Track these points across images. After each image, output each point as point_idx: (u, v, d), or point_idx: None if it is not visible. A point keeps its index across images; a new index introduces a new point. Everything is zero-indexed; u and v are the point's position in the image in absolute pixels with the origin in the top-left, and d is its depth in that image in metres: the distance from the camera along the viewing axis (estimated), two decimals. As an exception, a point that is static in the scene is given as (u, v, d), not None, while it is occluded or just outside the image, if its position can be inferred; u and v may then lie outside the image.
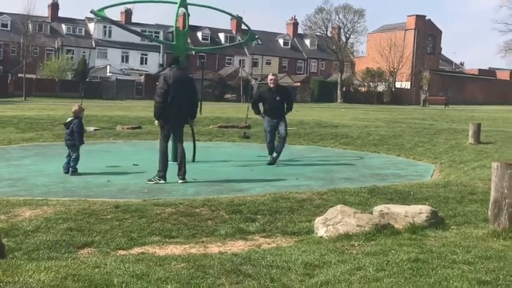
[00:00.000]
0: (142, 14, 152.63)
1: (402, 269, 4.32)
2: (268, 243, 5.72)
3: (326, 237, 5.67)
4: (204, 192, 8.36)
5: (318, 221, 6.01)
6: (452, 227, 6.19)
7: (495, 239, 5.38)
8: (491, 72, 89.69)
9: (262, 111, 12.58)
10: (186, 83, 9.94)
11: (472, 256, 4.67)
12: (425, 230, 5.84)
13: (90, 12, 12.38)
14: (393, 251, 4.83)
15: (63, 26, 74.32)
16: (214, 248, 5.47)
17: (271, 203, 7.10)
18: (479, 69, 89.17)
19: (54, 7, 75.70)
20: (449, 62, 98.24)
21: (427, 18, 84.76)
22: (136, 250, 5.39)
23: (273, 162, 12.14)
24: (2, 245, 4.77)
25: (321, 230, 5.84)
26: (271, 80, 12.50)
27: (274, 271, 4.27)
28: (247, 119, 17.92)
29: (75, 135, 10.59)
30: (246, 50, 78.92)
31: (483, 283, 4.04)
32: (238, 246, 5.61)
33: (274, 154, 12.19)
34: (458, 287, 3.91)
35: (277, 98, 12.28)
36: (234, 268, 4.25)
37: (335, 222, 5.82)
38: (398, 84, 79.03)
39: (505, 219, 5.56)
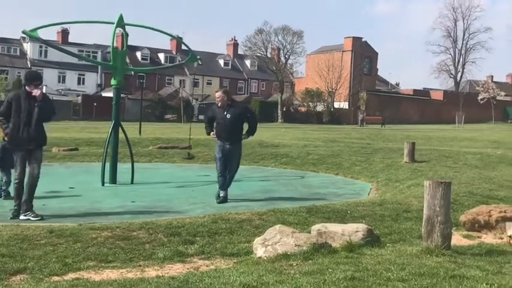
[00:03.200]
0: (81, 34, 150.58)
1: (339, 287, 4.37)
2: (207, 266, 5.68)
3: (265, 258, 5.68)
4: (142, 215, 8.24)
5: (257, 241, 6.02)
6: (387, 244, 6.32)
7: (428, 255, 5.52)
8: (426, 92, 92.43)
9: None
10: None
11: (406, 273, 4.78)
12: (361, 248, 5.94)
13: (22, 32, 12.13)
14: (330, 270, 4.88)
15: (-3, 46, 72.35)
16: (151, 272, 5.39)
17: (211, 224, 7.07)
18: (414, 90, 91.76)
19: (-12, 26, 73.72)
20: (386, 82, 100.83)
21: (363, 40, 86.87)
22: (71, 276, 5.25)
23: (223, 200, 10.06)
24: None
25: (260, 250, 5.84)
26: (218, 97, 10.44)
27: (211, 294, 4.24)
28: (190, 139, 17.70)
29: None
30: (186, 70, 78.78)
31: (417, 299, 4.13)
32: (176, 269, 5.54)
33: (221, 193, 10.16)
34: (393, 304, 3.98)
35: (228, 115, 10.16)
36: (171, 292, 4.20)
37: (274, 242, 5.84)
38: (336, 105, 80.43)
39: (437, 236, 5.71)
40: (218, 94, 10.54)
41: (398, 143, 25.27)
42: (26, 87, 8.37)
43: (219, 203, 9.92)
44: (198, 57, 15.94)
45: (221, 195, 10.15)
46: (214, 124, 10.48)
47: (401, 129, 51.56)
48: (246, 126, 10.64)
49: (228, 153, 10.27)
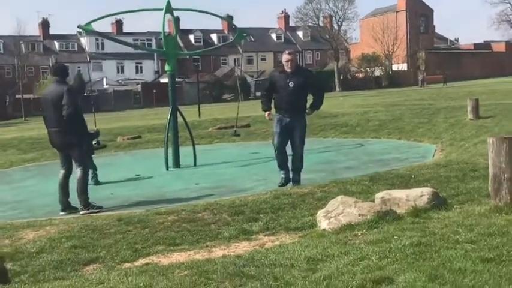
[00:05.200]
0: (135, 24, 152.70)
1: (405, 254, 4.31)
2: (272, 241, 5.71)
3: (329, 230, 5.66)
4: (206, 196, 8.36)
5: (320, 214, 6.00)
6: (455, 206, 6.17)
7: (497, 214, 5.36)
8: (487, 45, 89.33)
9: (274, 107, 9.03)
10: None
11: (475, 234, 4.66)
12: (428, 212, 5.83)
13: (78, 27, 12.42)
14: (396, 237, 4.82)
15: (56, 43, 74.48)
16: (218, 252, 5.46)
17: (273, 200, 7.10)
18: (475, 44, 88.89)
19: (45, 25, 75.81)
20: (444, 39, 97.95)
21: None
22: (141, 261, 5.39)
23: (284, 183, 8.86)
24: (5, 271, 4.77)
25: (324, 222, 5.82)
26: (287, 60, 8.69)
27: (277, 269, 4.27)
28: (237, 118, 17.31)
29: None
30: (239, 48, 78.81)
31: (487, 261, 4.02)
32: (242, 247, 5.60)
33: (282, 173, 8.95)
34: (462, 267, 3.89)
35: (291, 84, 8.59)
36: (237, 271, 4.25)
37: (336, 213, 5.81)
38: (395, 67, 78.91)
39: (505, 193, 5.53)
40: (287, 57, 8.76)
41: (461, 100, 24.50)
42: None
43: (280, 186, 8.66)
44: (244, 34, 15.88)
45: (282, 176, 8.95)
46: (274, 95, 8.93)
47: (463, 85, 50.09)
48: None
49: (289, 128, 8.79)
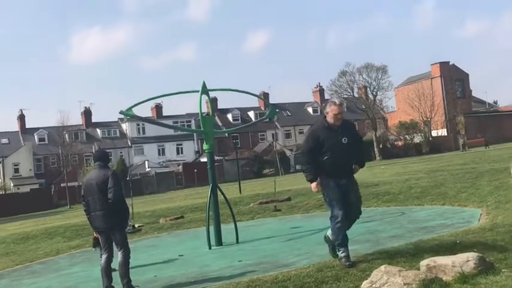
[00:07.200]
0: (174, 107, 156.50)
1: (453, 322, 4.20)
2: (317, 316, 5.62)
3: (374, 301, 5.55)
4: (249, 273, 8.30)
5: (364, 285, 5.92)
6: (503, 270, 6.01)
7: (548, 276, 5.19)
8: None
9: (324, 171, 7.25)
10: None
11: (524, 298, 4.52)
12: (475, 277, 5.70)
13: (119, 113, 12.77)
14: (443, 305, 4.70)
15: (98, 131, 76.79)
16: (263, 329, 5.40)
17: (316, 273, 7.02)
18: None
19: (87, 114, 78.55)
20: (482, 102, 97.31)
21: (451, 63, 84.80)
22: None
23: (348, 261, 7.19)
24: None
25: (369, 294, 5.73)
26: (338, 113, 7.21)
27: None
28: (275, 193, 17.34)
29: None
30: (277, 123, 79.72)
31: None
32: (287, 323, 5.52)
33: (342, 252, 7.33)
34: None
35: (344, 140, 7.13)
36: None
37: (381, 284, 5.72)
38: (434, 133, 78.34)
39: (555, 254, 5.38)
40: (338, 108, 7.22)
41: (505, 162, 24.09)
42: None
43: (349, 266, 7.10)
44: (277, 110, 16.30)
45: (343, 255, 7.31)
46: (324, 158, 7.17)
47: (506, 147, 49.22)
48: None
49: (347, 192, 7.37)
